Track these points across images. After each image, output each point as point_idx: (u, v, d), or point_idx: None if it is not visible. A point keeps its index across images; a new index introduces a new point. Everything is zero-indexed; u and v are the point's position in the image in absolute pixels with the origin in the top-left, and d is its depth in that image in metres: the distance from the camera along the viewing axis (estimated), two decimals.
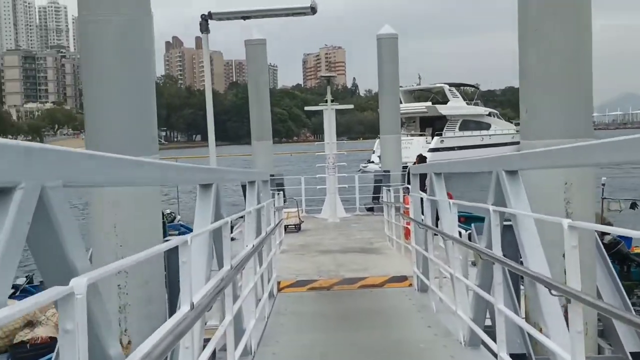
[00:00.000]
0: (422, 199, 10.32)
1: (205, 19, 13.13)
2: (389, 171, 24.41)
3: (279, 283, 11.08)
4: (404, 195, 15.26)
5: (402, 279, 11.11)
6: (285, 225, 19.08)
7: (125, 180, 3.61)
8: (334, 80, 23.82)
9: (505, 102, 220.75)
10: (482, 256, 5.71)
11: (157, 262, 8.02)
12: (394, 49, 25.60)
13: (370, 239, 17.73)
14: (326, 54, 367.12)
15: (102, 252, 7.89)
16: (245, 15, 14.27)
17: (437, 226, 9.12)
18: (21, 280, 14.85)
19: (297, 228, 20.00)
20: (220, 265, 5.52)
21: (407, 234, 14.21)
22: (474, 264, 11.26)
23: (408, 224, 13.78)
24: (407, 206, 13.18)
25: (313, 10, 14.32)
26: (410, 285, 10.62)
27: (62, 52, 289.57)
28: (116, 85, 7.96)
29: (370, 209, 24.77)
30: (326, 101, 23.00)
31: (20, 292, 13.92)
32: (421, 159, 20.99)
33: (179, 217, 23.99)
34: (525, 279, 8.21)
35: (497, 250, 5.35)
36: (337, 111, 23.19)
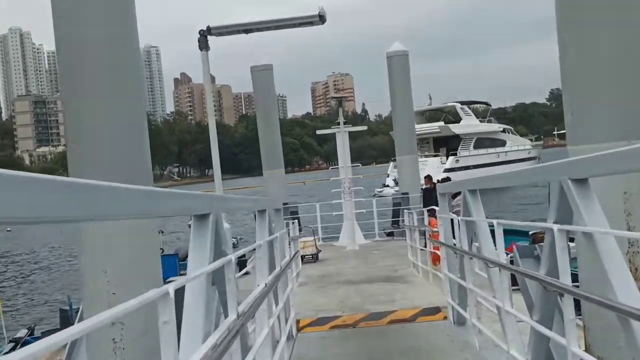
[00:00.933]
0: (452, 220, 9.26)
1: (205, 35, 12.15)
2: (407, 193, 23.34)
3: (298, 322, 9.99)
4: (429, 218, 14.20)
5: (435, 311, 9.98)
6: (301, 256, 18.03)
7: (80, 214, 2.50)
8: (345, 105, 22.88)
9: (517, 119, 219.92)
10: (547, 287, 4.62)
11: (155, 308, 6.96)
12: (406, 66, 24.69)
13: (393, 266, 16.62)
14: (334, 81, 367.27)
15: (94, 302, 6.86)
16: (247, 29, 13.32)
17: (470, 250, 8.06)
18: (22, 332, 13.83)
19: (315, 258, 18.94)
20: (226, 313, 4.48)
21: (435, 259, 13.10)
22: None
23: (436, 248, 12.68)
24: (434, 229, 12.08)
25: (322, 18, 13.34)
26: (445, 318, 9.49)
27: None
28: (100, 112, 6.99)
29: (390, 234, 23.69)
30: (338, 124, 22.06)
31: (21, 345, 12.92)
32: (430, 180, 20.17)
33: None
34: (585, 306, 7.16)
35: (566, 279, 4.28)
36: (349, 136, 22.22)
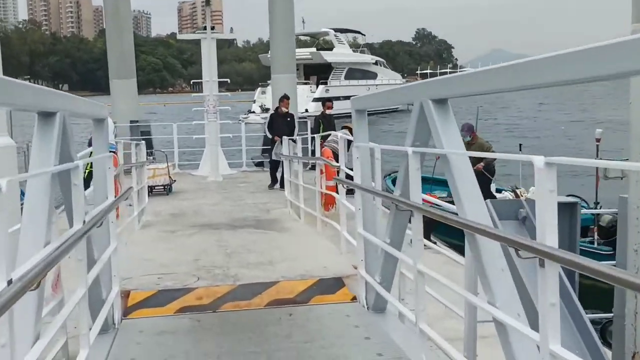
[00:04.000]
0: (373, 149, 5.97)
1: None
2: None
3: (127, 295, 6.47)
4: (322, 148, 10.73)
5: (337, 284, 6.71)
6: (150, 187, 14.33)
7: None
8: (212, 5, 18.81)
9: (383, 56, 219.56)
10: None
11: None
12: None
13: (265, 204, 13.32)
14: (202, 1, 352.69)
15: None
16: None
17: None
18: None
19: (168, 189, 15.26)
20: None
21: (328, 203, 9.88)
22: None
23: (331, 189, 9.46)
24: (335, 164, 8.73)
25: None
26: (354, 299, 6.25)
27: None
28: None
29: (260, 164, 20.28)
30: (204, 28, 18.13)
31: None
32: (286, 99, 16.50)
33: None
34: None
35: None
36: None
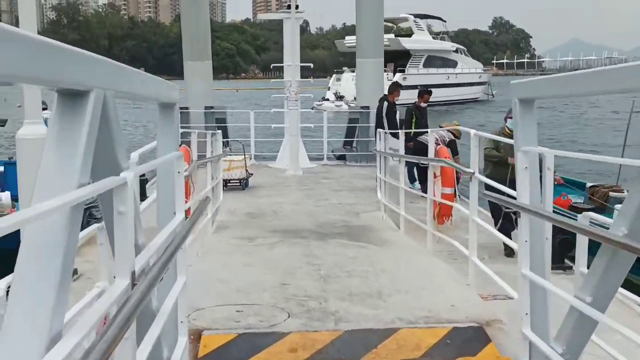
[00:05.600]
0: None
1: None
2: (368, 107, 18.01)
3: (197, 338, 4.88)
4: (437, 145, 8.87)
5: (477, 337, 4.93)
6: (225, 181, 12.87)
7: None
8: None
9: (459, 44, 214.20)
10: None
11: None
12: None
13: (353, 205, 11.69)
14: None
15: None
16: None
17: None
18: None
19: (243, 184, 13.75)
20: None
21: (443, 214, 8.10)
22: None
23: (448, 197, 7.68)
24: (467, 170, 6.88)
25: None
26: None
27: None
28: None
29: (342, 157, 18.61)
30: (288, 7, 16.53)
31: None
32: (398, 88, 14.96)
33: None
34: None
35: None
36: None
